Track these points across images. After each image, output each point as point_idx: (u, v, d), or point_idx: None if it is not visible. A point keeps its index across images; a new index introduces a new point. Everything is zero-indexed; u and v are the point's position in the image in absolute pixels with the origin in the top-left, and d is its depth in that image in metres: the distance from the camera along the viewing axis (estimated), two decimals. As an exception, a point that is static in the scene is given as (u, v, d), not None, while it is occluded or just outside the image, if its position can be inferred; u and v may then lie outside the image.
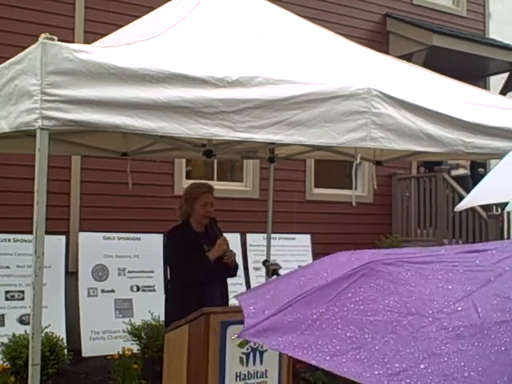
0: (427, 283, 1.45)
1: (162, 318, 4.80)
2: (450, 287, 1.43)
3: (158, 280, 6.92)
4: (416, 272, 1.48)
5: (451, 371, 1.26)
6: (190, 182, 5.54)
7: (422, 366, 1.28)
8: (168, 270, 4.29)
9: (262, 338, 1.45)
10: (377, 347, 1.34)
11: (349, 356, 1.34)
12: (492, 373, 1.26)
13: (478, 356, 1.28)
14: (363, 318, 1.40)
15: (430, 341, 1.32)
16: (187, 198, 4.23)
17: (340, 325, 1.40)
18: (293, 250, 8.07)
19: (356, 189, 3.70)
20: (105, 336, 6.52)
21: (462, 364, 1.27)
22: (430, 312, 1.37)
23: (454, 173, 9.39)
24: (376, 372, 1.29)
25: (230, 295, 4.65)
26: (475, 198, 2.71)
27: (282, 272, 3.99)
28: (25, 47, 2.80)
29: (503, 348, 1.29)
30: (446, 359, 1.28)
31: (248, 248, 7.85)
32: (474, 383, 1.24)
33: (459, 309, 1.37)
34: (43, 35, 2.64)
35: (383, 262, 1.50)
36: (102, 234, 6.92)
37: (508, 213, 8.39)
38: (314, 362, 1.36)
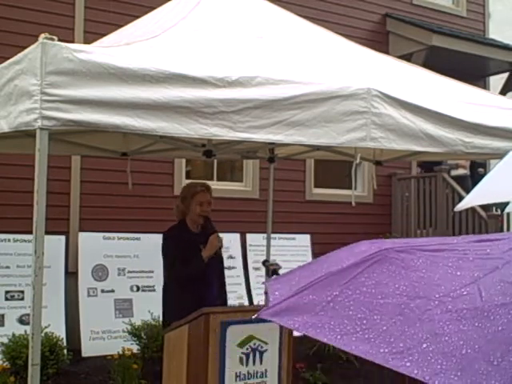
0: (437, 269, 1.54)
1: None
2: (459, 273, 1.52)
3: (157, 280, 6.87)
4: (427, 259, 1.58)
5: (450, 349, 1.36)
6: (188, 182, 5.54)
7: (424, 346, 1.38)
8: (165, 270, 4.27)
9: (278, 317, 1.55)
10: (384, 328, 1.44)
11: (358, 335, 1.44)
12: (487, 350, 1.36)
13: (476, 335, 1.37)
14: (374, 300, 1.50)
15: (434, 322, 1.41)
16: (183, 197, 4.24)
17: (352, 306, 1.50)
18: (293, 249, 8.06)
19: (356, 189, 3.71)
20: (105, 336, 6.52)
21: (461, 343, 1.37)
22: (437, 296, 1.47)
23: (454, 173, 9.39)
24: (381, 350, 1.40)
25: (229, 295, 4.66)
26: (475, 198, 2.71)
27: (281, 272, 3.99)
28: (25, 47, 2.80)
29: (500, 328, 1.38)
30: (446, 338, 1.38)
31: (248, 248, 7.85)
32: (470, 359, 1.34)
33: (464, 293, 1.46)
34: (43, 35, 2.64)
35: (396, 250, 1.61)
36: (101, 234, 6.92)
37: (508, 213, 8.39)
38: (325, 340, 1.47)
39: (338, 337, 1.45)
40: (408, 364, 1.36)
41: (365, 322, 1.46)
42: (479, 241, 1.68)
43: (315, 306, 1.53)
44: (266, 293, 5.56)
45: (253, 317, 1.62)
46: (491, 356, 1.35)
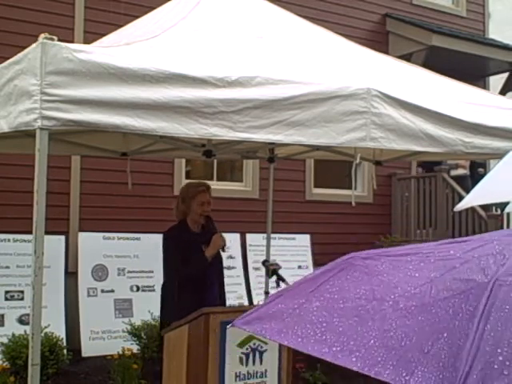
0: (398, 273, 1.64)
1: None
2: (417, 275, 1.61)
3: (157, 280, 6.87)
4: (390, 264, 1.68)
5: (392, 342, 1.48)
6: (188, 182, 5.54)
7: (371, 342, 1.49)
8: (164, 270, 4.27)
9: (249, 325, 1.72)
10: (340, 329, 1.56)
11: (317, 337, 1.56)
12: (421, 339, 1.46)
13: (417, 328, 1.48)
14: (335, 305, 1.62)
15: (385, 319, 1.53)
16: (184, 197, 4.24)
17: (315, 312, 1.63)
18: (292, 249, 8.06)
19: (355, 189, 3.71)
20: (104, 336, 6.52)
21: (403, 335, 1.48)
22: (392, 297, 1.57)
23: (454, 173, 9.39)
24: (334, 349, 1.52)
25: (229, 295, 4.66)
26: (475, 198, 2.71)
27: (281, 272, 3.99)
28: (24, 47, 2.80)
29: (437, 319, 1.47)
30: (391, 334, 1.49)
31: (248, 248, 7.85)
32: (406, 349, 1.45)
33: (417, 292, 1.56)
34: (43, 35, 2.64)
35: (362, 257, 1.72)
36: (101, 234, 6.92)
37: (508, 213, 8.39)
38: (286, 343, 1.62)
39: (299, 339, 1.58)
40: (354, 359, 1.48)
41: (324, 325, 1.58)
42: (448, 243, 1.76)
43: (283, 313, 1.67)
44: (266, 293, 5.56)
45: (228, 326, 1.80)
46: (423, 345, 1.44)
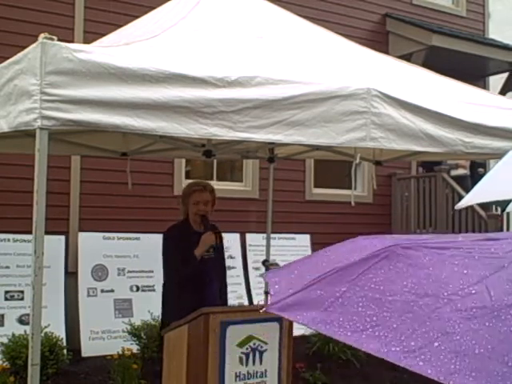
0: (444, 267, 1.53)
1: (162, 318, 4.79)
2: (466, 272, 1.50)
3: (157, 280, 6.87)
4: (434, 257, 1.56)
5: (463, 348, 1.33)
6: (189, 182, 5.54)
7: (435, 344, 1.35)
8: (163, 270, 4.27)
9: (287, 312, 1.52)
10: (394, 325, 1.42)
11: (368, 333, 1.42)
12: (500, 350, 1.33)
13: (488, 335, 1.35)
14: (383, 297, 1.48)
15: (444, 321, 1.39)
16: (183, 196, 4.27)
17: (361, 303, 1.48)
18: (292, 249, 8.06)
19: (355, 189, 3.71)
20: (104, 336, 6.52)
21: (474, 342, 1.34)
22: (446, 294, 1.45)
23: (454, 173, 9.39)
24: (393, 349, 1.37)
25: (229, 295, 4.65)
26: (475, 196, 2.71)
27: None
28: (24, 47, 2.80)
29: (511, 329, 1.36)
30: (458, 337, 1.35)
31: (248, 248, 7.85)
32: (483, 359, 1.31)
33: (473, 292, 1.44)
34: (43, 35, 2.64)
35: (402, 246, 1.59)
36: (101, 234, 6.92)
37: (508, 213, 8.39)
38: (335, 337, 1.45)
39: (349, 333, 1.44)
40: (421, 363, 1.34)
41: (374, 318, 1.44)
42: (482, 239, 1.67)
43: (324, 301, 1.51)
44: (266, 293, 5.56)
45: (261, 310, 1.59)
46: (505, 357, 1.33)
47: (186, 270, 4.00)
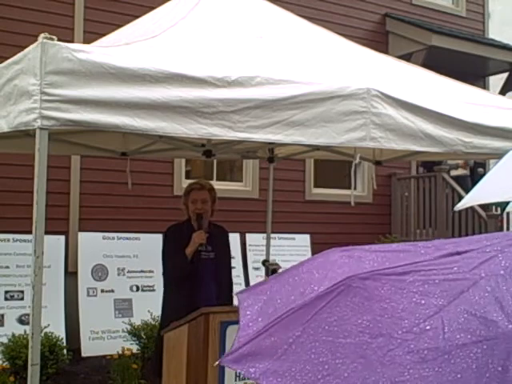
0: (402, 298, 1.46)
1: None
2: (423, 302, 1.44)
3: (157, 280, 6.88)
4: (392, 286, 1.49)
5: None
6: (190, 181, 5.54)
7: None
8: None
9: (240, 364, 1.47)
10: (345, 374, 1.36)
11: None
12: None
13: (436, 383, 1.30)
14: (336, 340, 1.42)
15: (395, 366, 1.34)
16: (183, 195, 4.27)
17: (314, 349, 1.43)
18: (292, 249, 8.07)
19: (355, 189, 3.71)
20: (104, 336, 6.52)
21: None
22: (400, 332, 1.39)
23: (454, 173, 9.40)
24: None
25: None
26: (474, 197, 2.71)
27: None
28: (24, 47, 2.80)
29: (459, 375, 1.30)
30: None
31: (247, 248, 7.85)
32: None
33: (427, 328, 1.38)
34: (43, 35, 2.64)
35: (360, 277, 1.51)
36: (101, 234, 6.92)
37: (508, 213, 8.39)
38: None
39: None
40: None
41: (326, 367, 1.40)
42: (448, 255, 1.58)
43: (277, 348, 1.47)
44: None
45: (214, 364, 1.56)
46: None
47: (175, 266, 4.00)
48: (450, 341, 1.34)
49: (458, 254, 1.56)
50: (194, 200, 4.14)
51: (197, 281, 4.03)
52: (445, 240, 1.70)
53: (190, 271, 4.00)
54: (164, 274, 4.22)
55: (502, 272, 1.44)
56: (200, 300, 3.87)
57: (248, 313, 1.59)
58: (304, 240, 8.29)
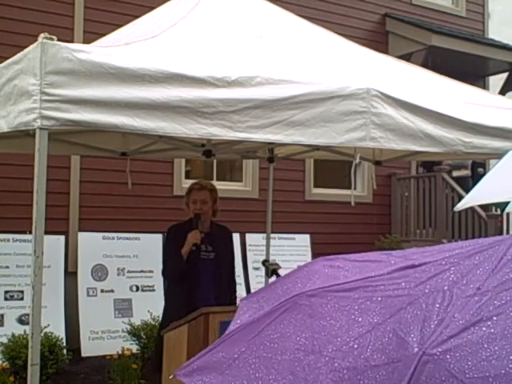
0: (342, 315, 1.47)
1: (162, 318, 4.80)
2: (360, 319, 1.44)
3: (157, 280, 6.91)
4: (336, 303, 1.50)
5: None
6: (190, 181, 5.54)
7: None
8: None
9: (189, 377, 1.56)
10: None
11: None
12: None
13: None
14: (273, 356, 1.47)
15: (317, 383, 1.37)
16: (185, 194, 4.27)
17: (253, 365, 1.48)
18: (292, 249, 8.07)
19: (355, 189, 3.70)
20: (104, 336, 6.52)
21: None
22: (330, 350, 1.41)
23: (456, 174, 9.40)
24: None
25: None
26: (474, 197, 2.71)
27: (281, 272, 3.99)
28: (24, 47, 2.80)
29: None
30: None
31: (247, 248, 7.85)
32: None
33: (355, 346, 1.40)
34: (42, 35, 2.64)
35: (308, 294, 1.54)
36: (101, 234, 6.92)
37: (508, 214, 8.39)
38: None
39: None
40: None
41: (260, 382, 1.44)
42: (403, 268, 1.55)
43: (222, 363, 1.54)
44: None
45: (170, 377, 1.67)
46: None
47: (174, 269, 4.00)
48: (367, 361, 1.36)
49: (413, 267, 1.54)
50: (194, 200, 4.14)
51: (195, 281, 4.02)
52: (418, 249, 1.66)
53: (186, 271, 4.00)
54: (163, 273, 4.22)
55: (445, 288, 1.42)
56: (198, 300, 3.86)
57: (238, 321, 1.65)
58: (304, 240, 8.29)
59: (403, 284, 1.49)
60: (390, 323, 1.39)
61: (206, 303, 3.71)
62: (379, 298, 1.47)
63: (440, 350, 1.26)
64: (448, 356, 1.26)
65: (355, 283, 1.54)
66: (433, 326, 1.32)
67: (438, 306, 1.37)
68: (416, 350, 1.28)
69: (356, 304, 1.48)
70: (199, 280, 4.04)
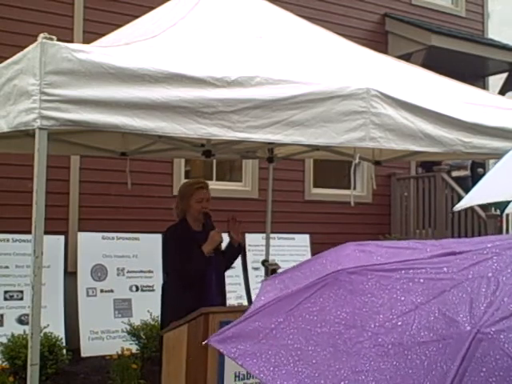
0: (383, 293, 1.50)
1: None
2: (403, 299, 1.47)
3: (157, 280, 6.91)
4: (377, 281, 1.53)
5: None
6: (185, 181, 5.54)
7: None
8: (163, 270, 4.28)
9: (224, 344, 1.57)
10: (314, 361, 1.43)
11: (289, 368, 1.44)
12: None
13: (389, 376, 1.34)
14: (313, 328, 1.48)
15: (359, 357, 1.39)
16: (182, 195, 4.25)
17: (291, 335, 1.50)
18: (292, 249, 8.06)
19: (355, 189, 3.71)
20: (104, 336, 6.52)
21: (374, 383, 1.34)
22: (372, 326, 1.43)
23: (455, 174, 9.40)
24: None
25: (229, 295, 4.64)
26: (474, 197, 2.72)
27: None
28: (24, 47, 2.80)
29: (410, 371, 1.33)
30: (363, 377, 1.35)
31: (247, 248, 7.84)
32: None
33: (399, 323, 1.42)
34: (42, 35, 2.64)
35: (348, 271, 1.56)
36: (100, 234, 6.92)
37: (507, 215, 8.39)
38: (256, 373, 1.47)
39: (271, 369, 1.45)
40: None
41: (299, 352, 1.46)
42: (443, 254, 1.59)
43: (259, 333, 1.54)
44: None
45: (203, 343, 1.66)
46: None
47: (191, 267, 3.98)
48: (413, 337, 1.37)
49: (454, 254, 1.58)
50: (200, 199, 4.16)
51: (204, 280, 4.05)
52: (455, 240, 1.73)
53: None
54: (167, 275, 4.22)
55: (489, 274, 1.44)
56: (206, 299, 3.89)
57: (262, 298, 1.66)
58: (303, 240, 8.29)
59: (445, 269, 1.51)
60: (435, 303, 1.42)
61: (213, 301, 3.76)
62: (421, 280, 1.49)
63: (494, 329, 1.28)
64: (502, 336, 1.27)
65: (396, 265, 1.56)
66: (482, 308, 1.34)
67: (484, 290, 1.39)
68: (468, 328, 1.30)
69: (398, 284, 1.50)
70: (208, 278, 4.08)
